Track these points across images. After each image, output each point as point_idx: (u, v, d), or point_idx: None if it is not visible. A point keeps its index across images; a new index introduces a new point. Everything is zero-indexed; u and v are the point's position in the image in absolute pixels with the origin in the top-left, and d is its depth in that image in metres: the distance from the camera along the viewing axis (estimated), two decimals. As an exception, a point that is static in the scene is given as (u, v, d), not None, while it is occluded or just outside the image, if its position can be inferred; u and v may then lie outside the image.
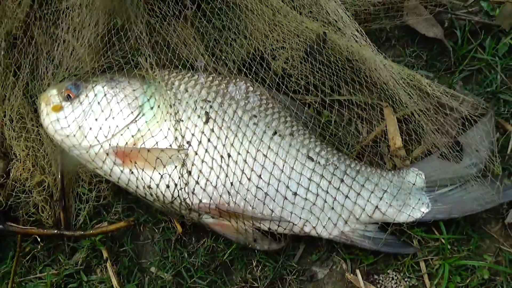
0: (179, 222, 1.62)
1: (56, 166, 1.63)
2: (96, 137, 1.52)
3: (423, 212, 1.56)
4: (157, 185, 1.50)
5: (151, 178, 1.49)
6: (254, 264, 1.61)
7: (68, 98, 1.58)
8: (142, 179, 1.50)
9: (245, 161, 1.50)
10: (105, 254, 1.59)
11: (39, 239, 1.59)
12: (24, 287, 1.57)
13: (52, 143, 1.63)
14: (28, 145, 1.65)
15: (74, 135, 1.54)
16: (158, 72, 1.65)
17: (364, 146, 1.68)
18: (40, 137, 1.66)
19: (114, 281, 1.55)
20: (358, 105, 1.70)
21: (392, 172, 1.59)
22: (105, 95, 1.57)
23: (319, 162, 1.53)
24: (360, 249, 1.60)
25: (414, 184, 1.56)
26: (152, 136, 1.50)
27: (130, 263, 1.60)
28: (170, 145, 1.49)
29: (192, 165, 1.48)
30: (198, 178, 1.48)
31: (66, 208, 1.62)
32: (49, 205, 1.61)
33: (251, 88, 1.64)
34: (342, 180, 1.53)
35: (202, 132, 1.51)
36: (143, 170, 1.49)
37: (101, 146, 1.50)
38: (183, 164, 1.47)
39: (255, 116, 1.57)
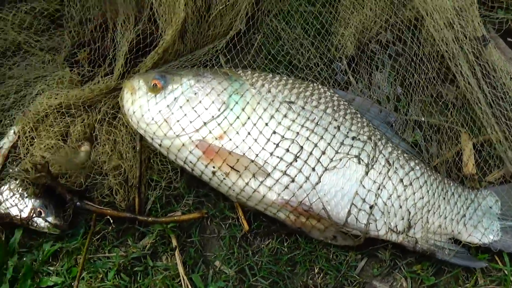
0: (247, 219, 1.76)
1: (135, 153, 1.80)
2: (182, 128, 1.68)
3: (492, 240, 1.68)
4: (234, 183, 1.66)
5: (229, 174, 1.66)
6: (316, 271, 1.74)
7: (154, 87, 1.75)
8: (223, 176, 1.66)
9: (322, 164, 1.65)
10: (174, 243, 1.74)
11: (111, 221, 1.75)
12: (94, 264, 1.73)
13: (132, 130, 1.80)
14: (109, 129, 1.82)
15: (160, 125, 1.70)
16: (241, 70, 1.81)
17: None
18: (121, 123, 1.83)
19: (181, 270, 1.70)
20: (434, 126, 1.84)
21: (473, 191, 1.73)
22: (191, 87, 1.73)
23: (399, 169, 1.68)
24: (422, 269, 1.72)
25: (491, 208, 1.69)
26: (237, 133, 1.66)
27: (196, 254, 1.75)
28: (255, 140, 1.65)
29: (278, 162, 1.64)
30: (280, 176, 1.64)
31: (142, 193, 1.78)
32: (123, 189, 1.77)
33: (330, 92, 1.80)
34: (421, 188, 1.68)
35: (287, 130, 1.67)
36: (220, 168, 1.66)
37: (189, 137, 1.66)
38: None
39: (336, 120, 1.71)
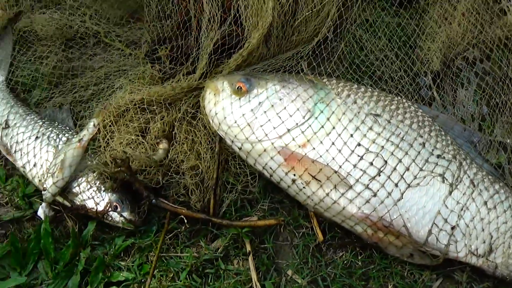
0: (321, 229, 1.76)
1: (213, 154, 1.81)
2: (265, 133, 1.68)
3: None
4: (313, 192, 1.66)
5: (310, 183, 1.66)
6: (389, 287, 1.74)
7: (238, 90, 1.75)
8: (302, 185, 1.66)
9: (405, 181, 1.64)
10: (248, 247, 1.74)
11: (185, 220, 1.76)
12: (165, 263, 1.74)
13: (211, 131, 1.81)
14: (188, 129, 1.84)
15: (242, 128, 1.71)
16: (326, 79, 1.81)
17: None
18: (200, 123, 1.84)
19: (254, 276, 1.70)
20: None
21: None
22: (276, 92, 1.74)
23: (483, 190, 1.66)
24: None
25: None
26: (321, 142, 1.66)
27: (268, 261, 1.75)
28: (339, 151, 1.65)
29: (361, 175, 1.63)
30: (362, 189, 1.63)
31: (217, 195, 1.79)
32: (199, 189, 1.79)
33: (415, 107, 1.79)
34: (504, 212, 1.66)
35: (371, 143, 1.66)
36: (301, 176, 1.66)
37: (272, 143, 1.66)
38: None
39: (421, 136, 1.70)
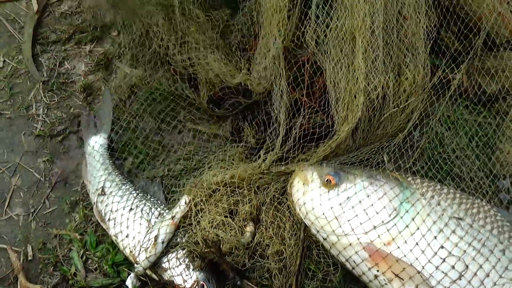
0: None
1: (297, 240, 1.98)
2: (352, 228, 1.85)
3: None
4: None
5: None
6: None
7: (328, 183, 1.93)
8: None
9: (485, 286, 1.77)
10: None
11: (267, 304, 1.93)
12: None
13: (297, 218, 1.98)
14: (274, 213, 2.01)
15: (330, 221, 1.88)
16: (411, 177, 1.98)
17: None
18: (287, 209, 2.02)
19: None
20: None
21: None
22: (364, 189, 1.91)
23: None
24: None
25: None
26: (405, 241, 1.82)
27: None
28: (422, 251, 1.80)
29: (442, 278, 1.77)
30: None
31: (299, 282, 1.95)
32: (282, 274, 1.95)
33: (494, 210, 1.94)
34: None
35: (454, 247, 1.81)
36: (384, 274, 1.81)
37: (357, 238, 1.83)
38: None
39: (501, 243, 1.84)
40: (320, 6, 2.09)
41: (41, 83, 2.51)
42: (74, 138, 2.38)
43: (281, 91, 2.12)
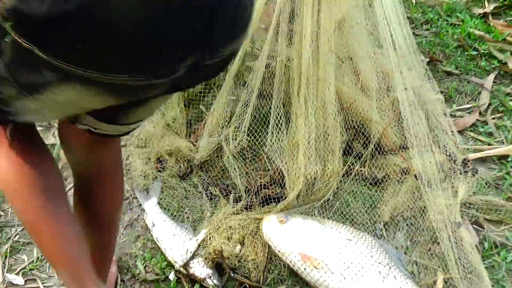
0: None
1: (264, 254, 3.76)
2: (291, 245, 3.64)
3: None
4: (315, 274, 3.59)
5: None
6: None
7: (281, 221, 3.75)
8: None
9: None
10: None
11: (247, 286, 3.66)
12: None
13: (264, 240, 3.78)
14: (253, 240, 3.81)
15: (281, 242, 3.67)
16: (326, 220, 3.82)
17: None
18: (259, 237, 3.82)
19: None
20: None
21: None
22: (300, 224, 3.72)
23: (400, 281, 3.55)
24: None
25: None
26: (321, 249, 3.61)
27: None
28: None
29: None
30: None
31: (264, 275, 3.72)
32: (256, 271, 3.71)
33: (372, 239, 3.76)
34: None
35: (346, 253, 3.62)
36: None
37: (296, 249, 3.63)
38: None
39: (371, 253, 3.64)
40: (278, 124, 4.02)
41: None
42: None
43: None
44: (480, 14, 4.79)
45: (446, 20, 4.78)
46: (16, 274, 3.58)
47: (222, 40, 1.59)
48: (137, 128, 2.16)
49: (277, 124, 3.84)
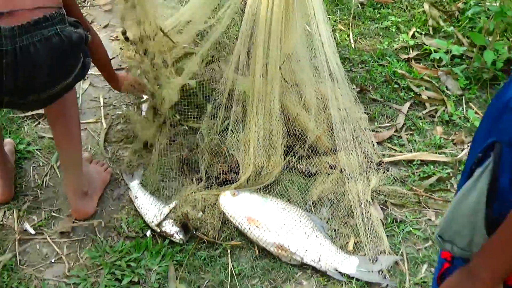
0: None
1: (220, 218, 4.98)
2: (240, 210, 4.86)
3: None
4: (257, 232, 4.80)
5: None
6: (282, 277, 4.76)
7: (234, 194, 4.98)
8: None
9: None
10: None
11: (205, 240, 4.87)
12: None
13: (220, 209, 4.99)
14: (212, 208, 5.03)
15: (236, 209, 4.89)
16: (269, 195, 5.08)
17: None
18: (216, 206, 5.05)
19: None
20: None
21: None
22: (248, 196, 4.96)
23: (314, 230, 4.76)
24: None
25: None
26: (261, 212, 4.84)
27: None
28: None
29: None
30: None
31: (217, 233, 4.92)
32: (213, 231, 4.91)
33: (301, 211, 5.00)
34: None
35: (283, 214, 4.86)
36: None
37: (243, 214, 4.85)
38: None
39: (300, 219, 4.87)
40: (236, 126, 5.31)
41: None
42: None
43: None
44: (405, 58, 6.12)
45: (377, 62, 6.10)
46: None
47: (20, 90, 3.16)
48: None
49: (235, 126, 5.15)
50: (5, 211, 4.42)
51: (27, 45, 2.76)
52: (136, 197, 4.87)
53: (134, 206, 4.87)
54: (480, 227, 1.81)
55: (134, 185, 4.83)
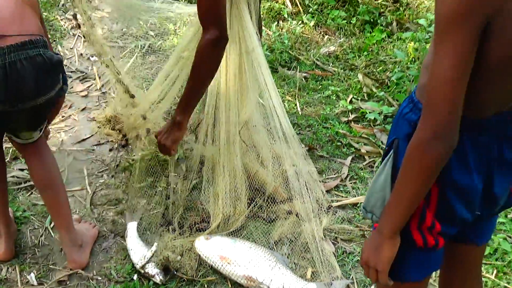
0: None
1: (196, 260, 5.86)
2: (212, 252, 5.78)
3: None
4: (230, 269, 5.70)
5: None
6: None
7: (207, 239, 5.88)
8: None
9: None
10: None
11: (185, 278, 5.71)
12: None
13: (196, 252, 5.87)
14: (190, 252, 5.92)
15: (207, 251, 5.78)
16: (238, 239, 6.01)
17: None
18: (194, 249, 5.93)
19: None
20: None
21: None
22: (220, 239, 5.88)
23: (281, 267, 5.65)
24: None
25: None
26: (232, 251, 5.75)
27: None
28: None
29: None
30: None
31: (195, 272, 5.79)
32: (192, 271, 5.78)
33: (265, 250, 5.94)
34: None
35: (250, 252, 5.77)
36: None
37: (216, 253, 5.76)
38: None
39: (265, 254, 5.78)
40: (208, 182, 6.29)
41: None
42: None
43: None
44: (345, 120, 7.26)
45: (322, 125, 7.21)
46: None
47: (10, 99, 3.71)
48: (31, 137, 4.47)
49: (207, 182, 6.15)
50: (8, 267, 4.99)
51: (15, 61, 3.39)
52: (130, 237, 5.20)
53: (125, 243, 5.66)
54: (388, 199, 2.29)
55: (130, 226, 5.31)
